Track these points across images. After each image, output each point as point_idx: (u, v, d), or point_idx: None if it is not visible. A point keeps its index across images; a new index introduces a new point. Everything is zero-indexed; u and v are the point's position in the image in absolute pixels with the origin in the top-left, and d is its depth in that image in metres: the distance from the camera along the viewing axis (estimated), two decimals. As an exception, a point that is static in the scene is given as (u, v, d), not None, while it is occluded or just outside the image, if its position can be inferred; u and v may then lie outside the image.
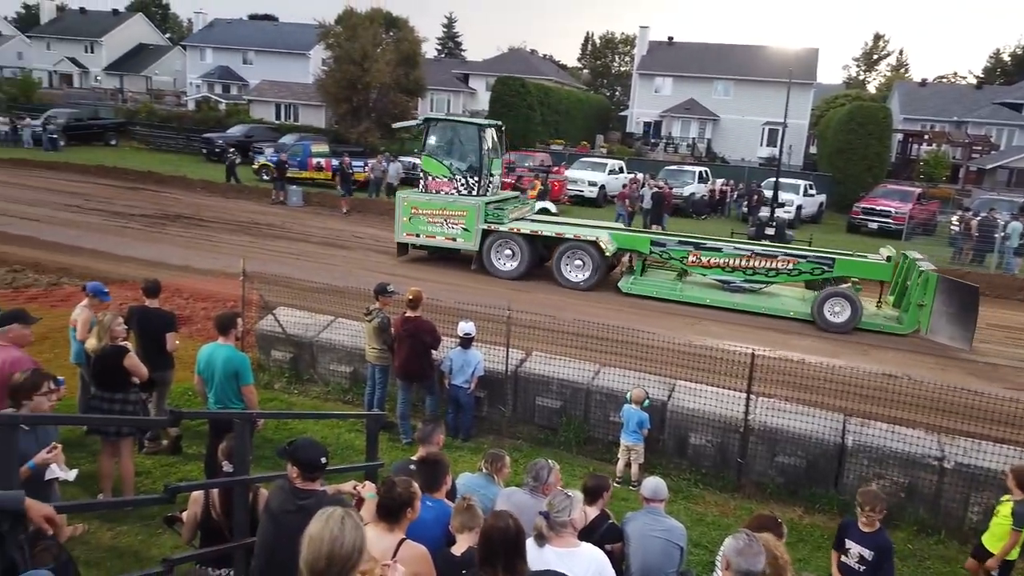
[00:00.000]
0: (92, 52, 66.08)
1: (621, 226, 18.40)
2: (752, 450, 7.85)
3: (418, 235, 16.05)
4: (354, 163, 28.33)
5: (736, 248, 14.59)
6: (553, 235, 15.43)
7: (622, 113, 58.82)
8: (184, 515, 4.40)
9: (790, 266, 13.92)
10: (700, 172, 31.32)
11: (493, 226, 15.41)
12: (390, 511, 3.55)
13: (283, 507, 3.60)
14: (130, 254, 15.12)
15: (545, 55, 76.68)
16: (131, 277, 12.74)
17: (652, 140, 47.76)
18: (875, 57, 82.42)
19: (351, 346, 9.38)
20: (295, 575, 2.51)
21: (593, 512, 4.79)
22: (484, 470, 5.11)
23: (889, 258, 13.88)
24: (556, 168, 30.20)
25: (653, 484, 5.04)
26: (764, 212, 23.61)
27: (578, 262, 15.12)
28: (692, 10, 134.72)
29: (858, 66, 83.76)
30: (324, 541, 2.40)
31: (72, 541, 4.91)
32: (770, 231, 20.12)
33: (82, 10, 71.04)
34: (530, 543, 3.56)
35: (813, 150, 47.22)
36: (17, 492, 2.80)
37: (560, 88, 50.93)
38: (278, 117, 45.60)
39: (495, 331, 9.11)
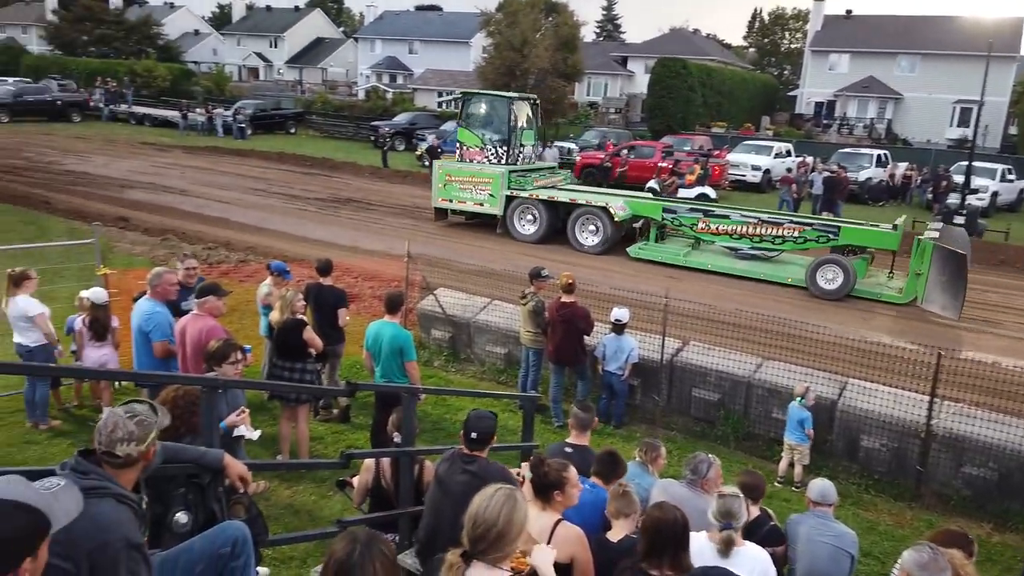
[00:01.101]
0: (276, 47, 71.52)
1: (639, 194, 18.30)
2: (934, 458, 7.19)
3: (451, 200, 17.49)
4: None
5: (743, 215, 14.73)
6: (567, 201, 16.37)
7: (791, 93, 55.63)
8: (355, 480, 4.68)
9: (796, 233, 14.05)
10: (879, 155, 28.97)
11: (515, 192, 16.62)
12: (540, 490, 3.59)
13: (450, 472, 3.74)
14: (306, 235, 16.27)
15: (708, 34, 73.85)
16: (307, 256, 13.69)
17: (824, 121, 44.80)
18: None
19: (506, 328, 9.55)
20: (457, 537, 2.59)
21: (753, 511, 4.59)
22: (639, 459, 5.03)
23: (896, 226, 13.72)
24: (717, 152, 29.06)
25: (821, 486, 4.74)
26: (953, 199, 21.47)
27: (592, 227, 16.03)
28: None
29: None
30: (486, 515, 2.44)
31: (255, 497, 5.39)
32: (959, 220, 18.25)
33: (268, 7, 77.02)
34: (703, 543, 3.49)
35: (1013, 131, 42.27)
36: (218, 451, 3.09)
37: (723, 68, 48.91)
38: (440, 104, 47.23)
39: (650, 319, 8.94)
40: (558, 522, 3.53)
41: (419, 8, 73.46)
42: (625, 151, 26.98)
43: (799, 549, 4.56)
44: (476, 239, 16.68)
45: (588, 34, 64.39)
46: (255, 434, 4.68)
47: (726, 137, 35.43)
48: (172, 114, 39.15)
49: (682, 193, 22.96)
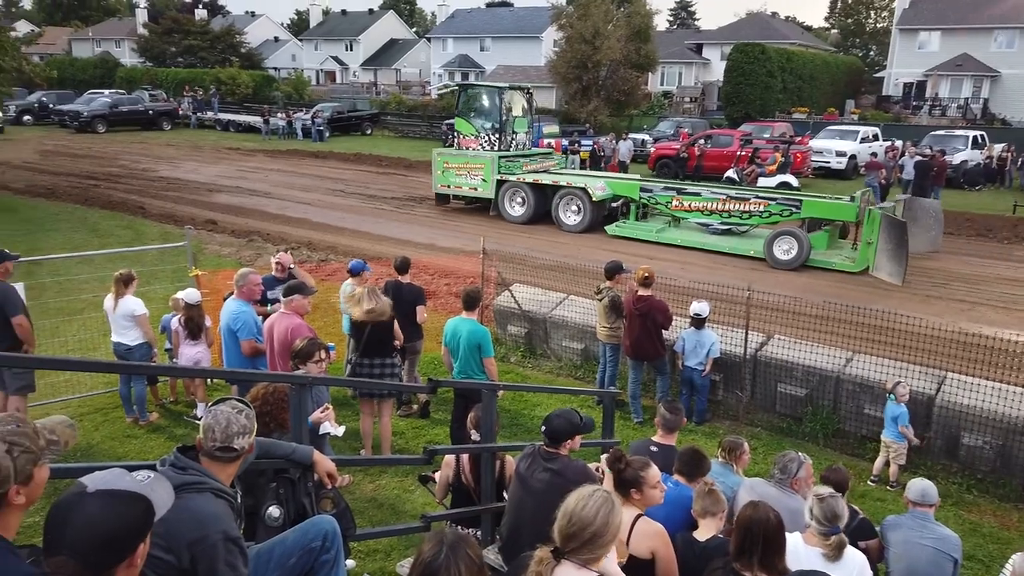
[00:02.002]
0: (351, 50, 73.20)
1: (620, 175, 19.91)
2: (1043, 458, 6.74)
3: (449, 186, 18.89)
4: (582, 142, 28.60)
5: (713, 193, 15.61)
6: (550, 183, 17.51)
7: (877, 74, 53.24)
8: (437, 475, 4.73)
9: (761, 208, 14.78)
10: (974, 136, 27.43)
11: (505, 176, 17.85)
12: (621, 484, 3.54)
13: (530, 469, 3.73)
14: (383, 233, 16.59)
15: (787, 17, 71.51)
16: (385, 255, 13.96)
17: (914, 103, 42.64)
18: None
19: (582, 323, 9.47)
20: (541, 533, 2.57)
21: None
22: (722, 457, 4.90)
23: (853, 198, 14.24)
24: (799, 138, 28.07)
25: (921, 487, 4.51)
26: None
27: (574, 207, 17.09)
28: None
29: None
30: (582, 514, 2.42)
31: (340, 490, 5.52)
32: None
33: (343, 11, 78.90)
34: (799, 545, 3.37)
35: None
36: (307, 447, 3.17)
37: (804, 52, 47.17)
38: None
39: (730, 312, 8.71)
40: (638, 517, 3.47)
41: (490, 5, 73.81)
42: (701, 141, 26.37)
43: (896, 552, 4.36)
44: (550, 235, 16.70)
45: (661, 23, 63.40)
46: (340, 430, 4.79)
47: (808, 123, 34.21)
48: (255, 119, 40.67)
49: (762, 182, 22.30)
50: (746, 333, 8.16)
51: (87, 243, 14.62)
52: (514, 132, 18.83)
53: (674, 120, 35.58)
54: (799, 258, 13.91)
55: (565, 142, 29.05)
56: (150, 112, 41.02)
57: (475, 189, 18.51)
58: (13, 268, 6.64)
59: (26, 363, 5.62)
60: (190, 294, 7.56)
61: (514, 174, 17.97)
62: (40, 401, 7.54)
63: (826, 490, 3.59)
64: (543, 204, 17.65)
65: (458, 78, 59.33)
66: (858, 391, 7.59)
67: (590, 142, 28.98)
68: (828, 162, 27.21)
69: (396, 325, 6.84)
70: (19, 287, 6.74)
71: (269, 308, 6.93)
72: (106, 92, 44.87)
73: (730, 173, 23.32)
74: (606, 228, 16.67)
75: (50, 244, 14.36)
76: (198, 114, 43.63)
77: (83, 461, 6.43)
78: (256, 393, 3.89)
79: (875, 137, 28.93)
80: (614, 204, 17.37)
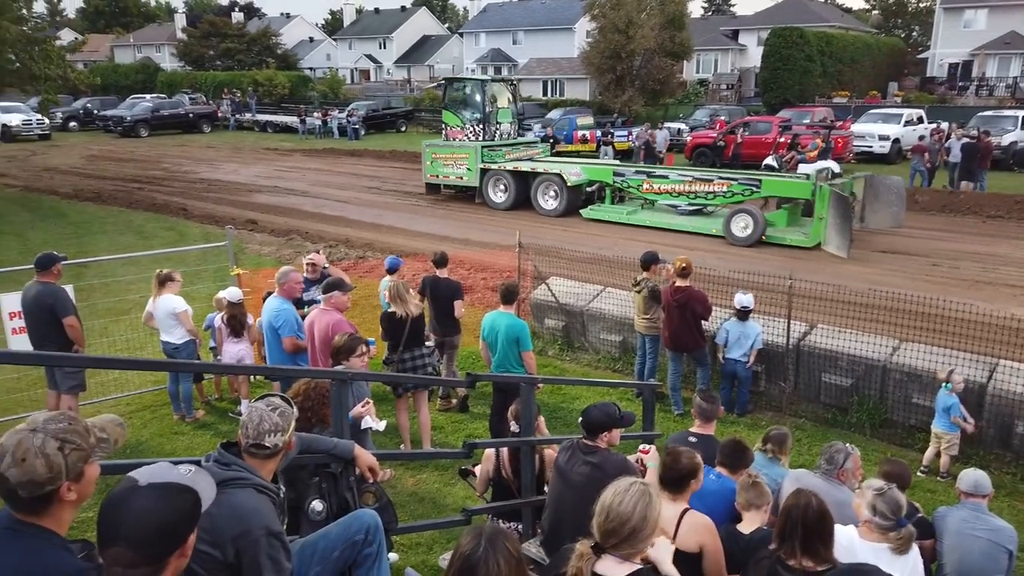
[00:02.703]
0: (384, 48, 73.70)
1: (595, 161, 20.66)
2: (1103, 447, 6.49)
3: (437, 176, 19.86)
4: (617, 132, 28.37)
5: (680, 175, 16.41)
6: (529, 170, 18.37)
7: (921, 55, 51.77)
8: (477, 469, 4.74)
9: (724, 188, 15.41)
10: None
11: (488, 165, 18.69)
12: (674, 482, 3.49)
13: (570, 463, 3.72)
14: (419, 229, 16.68)
15: (826, 0, 69.84)
16: (421, 250, 14.04)
17: (960, 83, 41.39)
18: None
19: (620, 315, 9.40)
20: (582, 527, 2.55)
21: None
22: (765, 449, 4.82)
23: (808, 176, 14.82)
24: (840, 123, 27.44)
25: (974, 477, 4.39)
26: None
27: (551, 193, 17.94)
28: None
29: None
30: (620, 509, 2.39)
31: (382, 485, 5.57)
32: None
33: (376, 10, 79.46)
34: (852, 538, 3.30)
35: None
36: (349, 442, 3.20)
37: (844, 34, 46.09)
38: (545, 93, 47.18)
39: (769, 301, 8.56)
40: (685, 511, 3.43)
41: (521, -2, 73.56)
42: (740, 128, 25.93)
43: (949, 543, 4.25)
44: (586, 227, 16.65)
45: (696, 10, 62.54)
46: (381, 425, 4.82)
47: (849, 107, 33.43)
48: (291, 119, 41.21)
49: (803, 169, 21.87)
50: (788, 323, 8.01)
51: (133, 245, 14.98)
52: (498, 123, 19.75)
53: (711, 108, 35.06)
54: (755, 235, 14.65)
55: (599, 133, 28.89)
56: (190, 115, 41.86)
57: (461, 178, 19.41)
58: (62, 270, 6.82)
59: (77, 362, 5.78)
60: (232, 293, 7.69)
61: (496, 163, 18.80)
62: (91, 400, 7.75)
63: (879, 482, 3.50)
64: (524, 191, 18.46)
65: (491, 72, 59.32)
66: (906, 380, 7.40)
67: (624, 133, 28.74)
68: (871, 147, 26.55)
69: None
70: (69, 289, 6.93)
71: (305, 309, 6.98)
72: (148, 97, 45.94)
73: (769, 160, 22.85)
74: (581, 212, 17.51)
75: (97, 247, 14.75)
76: (237, 116, 44.38)
77: (132, 458, 6.60)
78: (297, 389, 3.93)
79: (919, 120, 28.14)
80: (590, 189, 18.08)
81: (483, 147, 18.91)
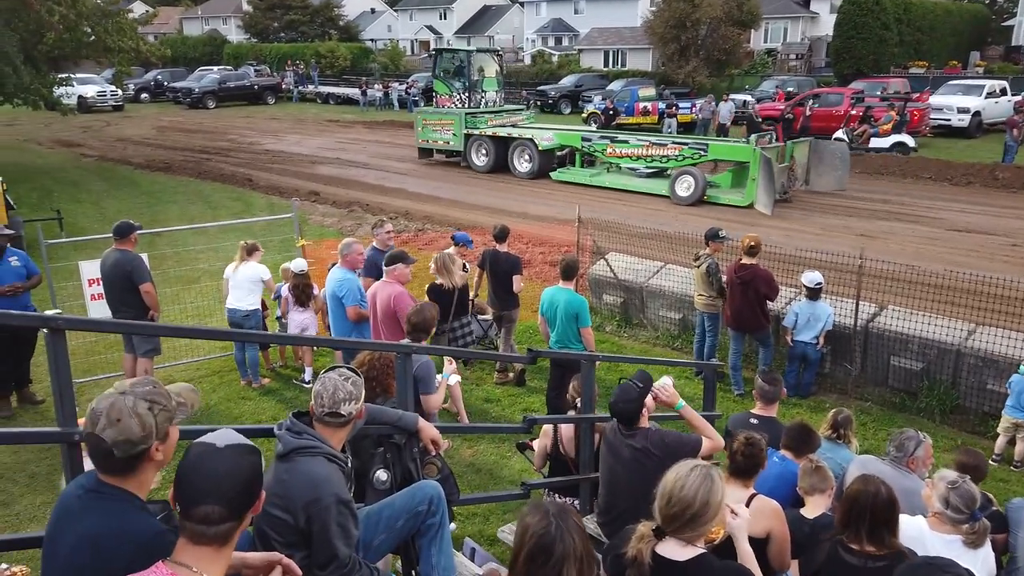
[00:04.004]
0: (445, 18, 73.34)
1: (567, 127, 21.36)
2: None
3: (427, 141, 21.37)
4: (680, 104, 27.74)
5: (638, 139, 17.71)
6: (504, 135, 19.74)
7: (1005, 23, 48.93)
8: (535, 443, 4.77)
9: (676, 152, 16.65)
10: (1118, 87, 24.93)
11: (471, 131, 20.06)
12: (746, 469, 3.46)
13: (616, 441, 3.73)
14: (477, 202, 16.72)
15: (903, -36, 66.36)
16: (479, 223, 14.08)
17: (1047, 52, 39.06)
18: None
19: (680, 292, 9.27)
20: (637, 503, 2.53)
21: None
22: (833, 433, 4.71)
23: (749, 140, 16.13)
24: (917, 95, 26.21)
25: (1051, 469, 4.20)
26: None
27: (526, 156, 19.36)
28: None
29: None
30: (682, 494, 2.37)
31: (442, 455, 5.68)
32: None
33: (437, -21, 79.02)
34: (923, 530, 3.22)
35: None
36: (413, 414, 3.25)
37: (923, 0, 43.88)
38: (606, 64, 46.38)
39: (837, 280, 8.30)
40: (753, 496, 3.38)
41: (584, -34, 72.09)
42: (810, 100, 25.02)
43: (1022, 538, 4.08)
44: (643, 201, 16.44)
45: (764, -24, 60.13)
46: (456, 377, 5.01)
47: (927, 78, 31.92)
48: (353, 91, 41.58)
49: (875, 143, 21.09)
50: (856, 303, 7.76)
51: (202, 215, 15.44)
52: (483, 91, 21.21)
53: (779, 79, 33.92)
54: (696, 194, 15.96)
55: (662, 105, 28.31)
56: (255, 87, 42.65)
57: (448, 143, 20.85)
58: (138, 239, 7.08)
59: (153, 330, 6.01)
60: (297, 263, 7.87)
61: (478, 128, 20.17)
62: (164, 364, 8.07)
63: (952, 473, 3.39)
64: (503, 155, 19.80)
65: (552, 43, 58.62)
66: (981, 365, 7.12)
67: (688, 105, 28.09)
68: (949, 120, 25.34)
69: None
70: (144, 257, 7.19)
71: None
72: (215, 69, 46.94)
73: (839, 134, 22.15)
74: (551, 174, 19.00)
75: (168, 216, 15.27)
76: (300, 88, 45.05)
77: (203, 421, 6.87)
78: (363, 359, 4.01)
79: (1003, 92, 26.68)
80: (561, 153, 19.48)
81: (466, 114, 20.24)
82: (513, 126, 20.57)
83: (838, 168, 16.76)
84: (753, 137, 16.15)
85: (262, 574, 2.31)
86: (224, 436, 1.88)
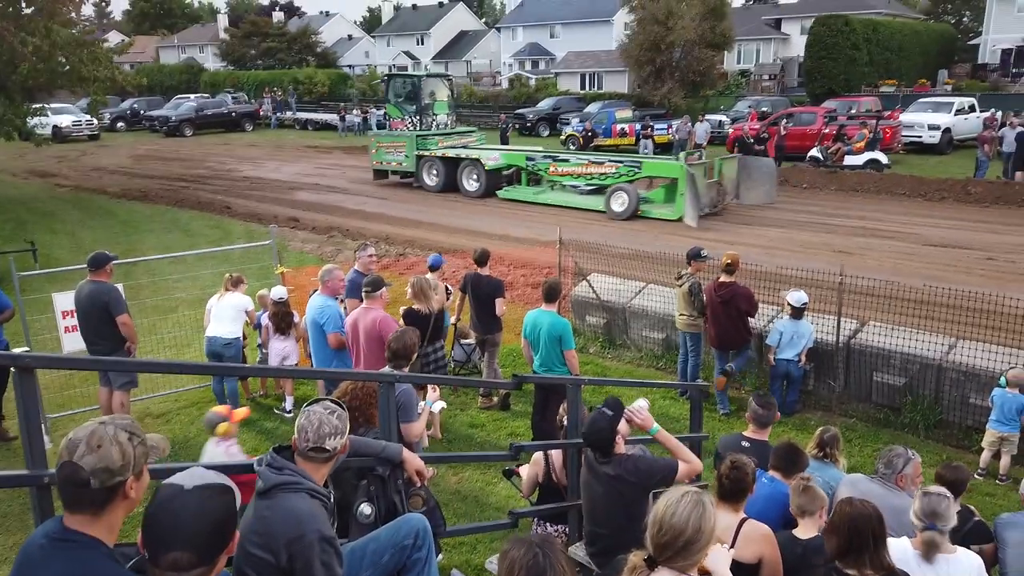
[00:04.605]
0: (422, 44, 73.87)
1: (513, 147, 22.93)
2: None
3: (381, 162, 22.09)
4: (656, 126, 28.02)
5: (578, 159, 18.95)
6: (453, 156, 20.69)
7: (972, 42, 50.16)
8: (521, 469, 4.69)
9: (613, 170, 17.61)
10: (1083, 103, 25.55)
11: (421, 152, 21.02)
12: (734, 493, 3.41)
13: (591, 469, 3.69)
14: (458, 225, 16.71)
15: (870, -14, 67.91)
16: (461, 247, 14.04)
17: (1013, 70, 39.93)
18: None
19: (663, 312, 9.27)
20: (619, 531, 2.47)
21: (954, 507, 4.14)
22: (819, 453, 4.69)
23: (679, 157, 17.57)
24: (888, 113, 26.67)
25: (1039, 484, 4.20)
26: None
27: (473, 176, 20.20)
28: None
29: None
30: (673, 521, 2.32)
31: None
32: None
33: (414, 6, 79.68)
34: (906, 549, 3.18)
35: None
36: (398, 445, 3.18)
37: (891, 21, 44.73)
38: (583, 87, 46.83)
39: (817, 297, 8.33)
40: (743, 521, 3.33)
41: (559, -9, 73.00)
42: (783, 120, 25.38)
43: (1014, 552, 4.06)
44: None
45: (736, -1, 61.23)
46: (440, 404, 4.92)
47: (898, 96, 32.53)
48: (331, 117, 41.60)
49: (849, 161, 21.40)
50: (838, 320, 7.80)
51: (179, 243, 15.27)
52: (434, 114, 22.07)
53: (753, 99, 34.40)
54: (629, 209, 16.81)
55: (638, 126, 28.58)
56: (233, 114, 42.56)
57: (400, 164, 21.61)
58: (114, 269, 6.96)
59: (127, 367, 5.88)
60: (276, 291, 7.78)
61: (429, 150, 21.06)
62: (141, 396, 7.91)
63: (936, 489, 3.37)
64: (452, 175, 20.66)
65: (528, 67, 59.15)
66: (963, 379, 7.16)
67: (664, 126, 28.37)
68: (920, 137, 25.80)
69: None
70: (119, 287, 7.06)
71: None
72: (192, 97, 46.79)
73: (814, 152, 22.46)
74: (498, 193, 19.79)
75: (145, 245, 15.08)
76: (278, 114, 45.00)
77: (181, 456, 6.72)
78: (345, 388, 3.93)
79: (971, 108, 27.24)
80: (507, 172, 20.24)
81: (418, 136, 21.19)
82: (464, 147, 21.47)
83: (765, 183, 17.91)
84: (682, 155, 17.30)
85: None
86: (193, 476, 1.79)
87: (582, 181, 18.45)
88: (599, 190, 18.02)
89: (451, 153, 20.95)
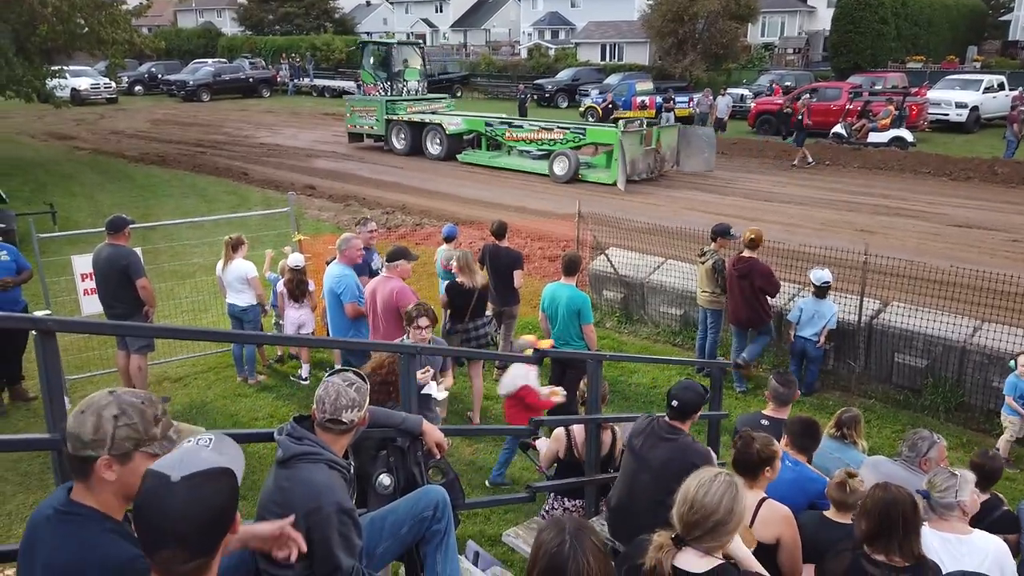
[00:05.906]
0: (441, 11, 72.97)
1: (475, 113, 23.15)
2: None
3: (355, 126, 23.06)
4: (677, 98, 27.61)
5: (530, 124, 19.82)
6: (418, 120, 21.65)
7: (1002, 17, 48.88)
8: (538, 443, 4.66)
9: (561, 136, 18.61)
10: (1116, 82, 24.91)
11: (391, 117, 21.91)
12: (746, 467, 3.34)
13: (647, 444, 3.61)
14: (474, 197, 16.60)
15: (900, -42, 66.19)
16: (477, 218, 13.97)
17: (1044, 47, 38.98)
18: None
19: (681, 288, 9.18)
20: (658, 512, 2.44)
21: (983, 496, 4.06)
22: (839, 434, 4.62)
23: (616, 123, 18.22)
24: (916, 89, 26.09)
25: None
26: None
27: (436, 140, 21.26)
28: None
29: None
30: (705, 500, 2.27)
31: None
32: None
33: (433, -28, 78.61)
34: (928, 536, 3.12)
35: None
36: (417, 416, 3.14)
37: (920, -5, 43.67)
38: (603, 58, 46.14)
39: (840, 276, 8.20)
40: (762, 501, 3.29)
41: (580, -41, 71.72)
42: (807, 95, 24.86)
43: (1035, 538, 4.02)
44: (644, 196, 16.37)
45: (761, -30, 59.86)
46: (443, 394, 4.78)
47: (925, 72, 31.84)
48: (348, 84, 41.24)
49: (873, 138, 21.05)
50: (861, 300, 7.69)
51: (196, 208, 15.28)
52: (405, 80, 22.89)
53: (776, 73, 33.79)
54: (569, 173, 17.97)
55: (659, 99, 28.19)
56: (250, 80, 42.32)
57: (372, 128, 22.50)
58: (131, 233, 6.95)
59: (147, 332, 5.88)
60: (294, 258, 7.74)
61: (397, 114, 21.93)
62: (159, 360, 7.96)
63: (951, 469, 3.30)
64: (418, 139, 21.59)
65: (548, 36, 58.35)
66: (987, 363, 7.05)
67: (686, 99, 27.96)
68: (947, 114, 25.27)
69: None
70: (137, 251, 7.06)
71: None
72: (209, 61, 46.52)
73: (837, 128, 22.08)
74: (458, 156, 20.81)
75: (163, 210, 15.10)
76: (295, 81, 44.73)
77: (198, 419, 6.76)
78: (381, 361, 3.88)
79: (1000, 86, 26.62)
80: (468, 137, 21.04)
81: (387, 101, 21.98)
82: (433, 113, 22.08)
83: (704, 151, 18.85)
84: (621, 123, 17.85)
85: (270, 545, 2.24)
86: (183, 461, 1.63)
87: (534, 146, 19.34)
88: (547, 155, 18.86)
89: (416, 118, 21.80)
